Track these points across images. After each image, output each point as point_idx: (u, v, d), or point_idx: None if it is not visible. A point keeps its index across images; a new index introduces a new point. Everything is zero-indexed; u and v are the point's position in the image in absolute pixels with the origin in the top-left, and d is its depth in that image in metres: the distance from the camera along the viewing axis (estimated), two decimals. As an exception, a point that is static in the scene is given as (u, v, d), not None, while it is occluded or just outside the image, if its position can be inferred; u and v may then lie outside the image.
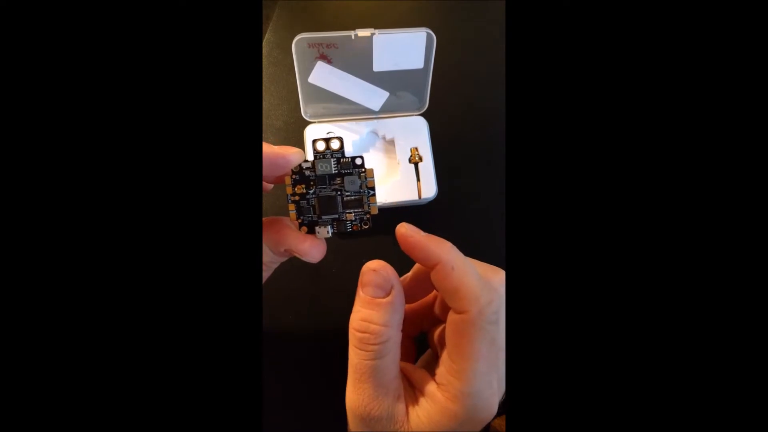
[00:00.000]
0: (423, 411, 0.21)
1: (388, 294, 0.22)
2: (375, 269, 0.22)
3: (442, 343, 0.22)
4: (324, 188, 0.24)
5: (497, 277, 0.23)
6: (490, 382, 0.21)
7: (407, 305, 0.25)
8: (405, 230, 0.22)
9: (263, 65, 0.45)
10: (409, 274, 0.26)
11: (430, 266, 0.22)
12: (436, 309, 0.27)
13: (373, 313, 0.22)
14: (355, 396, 0.21)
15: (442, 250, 0.21)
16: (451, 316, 0.21)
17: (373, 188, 0.24)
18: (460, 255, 0.22)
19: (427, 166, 0.40)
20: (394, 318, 0.22)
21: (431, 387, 0.21)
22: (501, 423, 0.29)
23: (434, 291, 0.27)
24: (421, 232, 0.22)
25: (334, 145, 0.24)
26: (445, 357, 0.21)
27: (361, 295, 0.22)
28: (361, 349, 0.21)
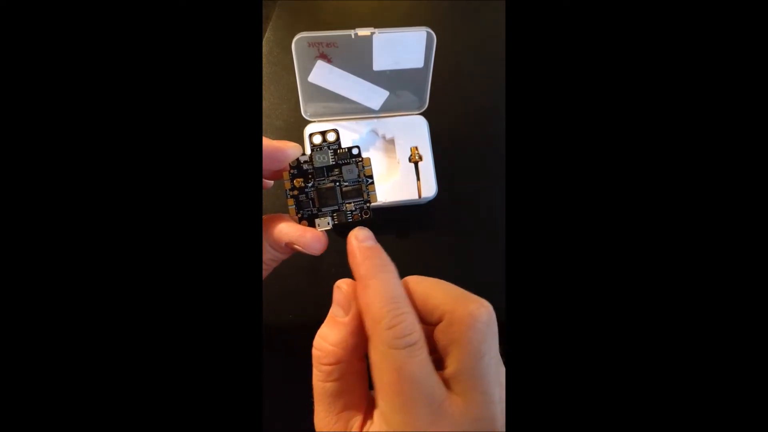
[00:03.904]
0: None
1: (346, 314, 0.21)
2: (339, 286, 0.21)
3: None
4: (322, 180, 0.24)
5: (465, 309, 0.19)
6: (406, 424, 0.17)
7: None
8: (351, 235, 0.21)
9: (263, 64, 0.45)
10: None
11: (355, 279, 0.21)
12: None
13: (329, 331, 0.20)
14: (315, 415, 0.20)
15: (363, 265, 0.20)
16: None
17: (371, 177, 0.24)
18: (386, 273, 0.20)
19: (427, 166, 0.40)
20: (349, 341, 0.20)
21: (375, 423, 0.19)
22: None
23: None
24: (368, 241, 0.21)
25: (331, 137, 0.24)
26: None
27: (329, 313, 0.21)
28: (315, 368, 0.20)
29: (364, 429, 0.19)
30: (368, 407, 0.20)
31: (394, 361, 0.18)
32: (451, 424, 0.17)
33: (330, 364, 0.20)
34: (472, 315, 0.19)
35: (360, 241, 0.21)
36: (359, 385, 0.20)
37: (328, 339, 0.20)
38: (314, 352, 0.21)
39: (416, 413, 0.17)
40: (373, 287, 0.19)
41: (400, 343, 0.18)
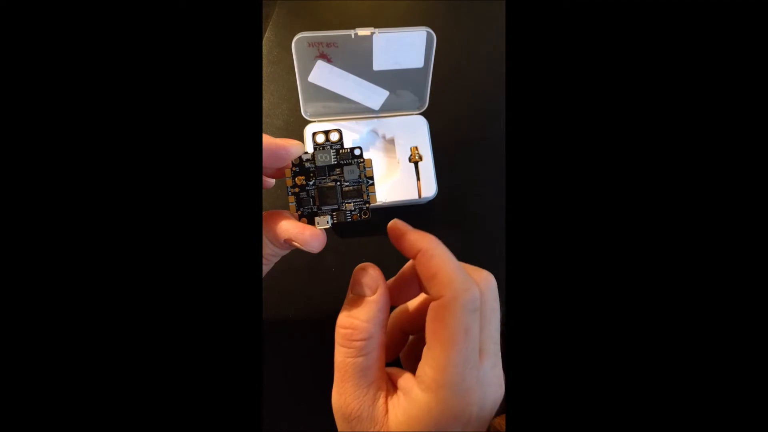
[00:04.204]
0: (401, 409, 0.21)
1: (374, 293, 0.23)
2: (364, 268, 0.23)
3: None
4: (323, 179, 0.24)
5: (481, 275, 0.23)
6: (464, 375, 0.20)
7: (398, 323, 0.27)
8: (394, 223, 0.24)
9: (263, 64, 0.45)
10: (394, 278, 0.26)
11: (414, 255, 0.22)
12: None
13: (359, 309, 0.22)
14: (337, 395, 0.22)
15: (424, 239, 0.22)
16: (430, 305, 0.21)
17: (371, 178, 0.25)
18: (443, 247, 0.22)
19: (427, 165, 0.40)
20: (378, 316, 0.22)
21: (410, 382, 0.21)
22: (501, 422, 0.29)
23: (421, 299, 0.27)
24: (410, 227, 0.23)
25: (333, 137, 0.24)
26: (425, 349, 0.21)
27: (349, 295, 0.23)
28: (344, 346, 0.22)
29: (390, 399, 0.21)
30: (387, 381, 0.22)
31: (464, 322, 0.20)
32: (484, 379, 0.21)
33: (362, 339, 0.22)
34: (486, 279, 0.22)
35: (405, 226, 0.23)
36: (382, 359, 0.22)
37: (359, 316, 0.22)
38: (342, 331, 0.22)
39: (468, 369, 0.20)
40: (440, 256, 0.22)
41: (471, 308, 0.20)
